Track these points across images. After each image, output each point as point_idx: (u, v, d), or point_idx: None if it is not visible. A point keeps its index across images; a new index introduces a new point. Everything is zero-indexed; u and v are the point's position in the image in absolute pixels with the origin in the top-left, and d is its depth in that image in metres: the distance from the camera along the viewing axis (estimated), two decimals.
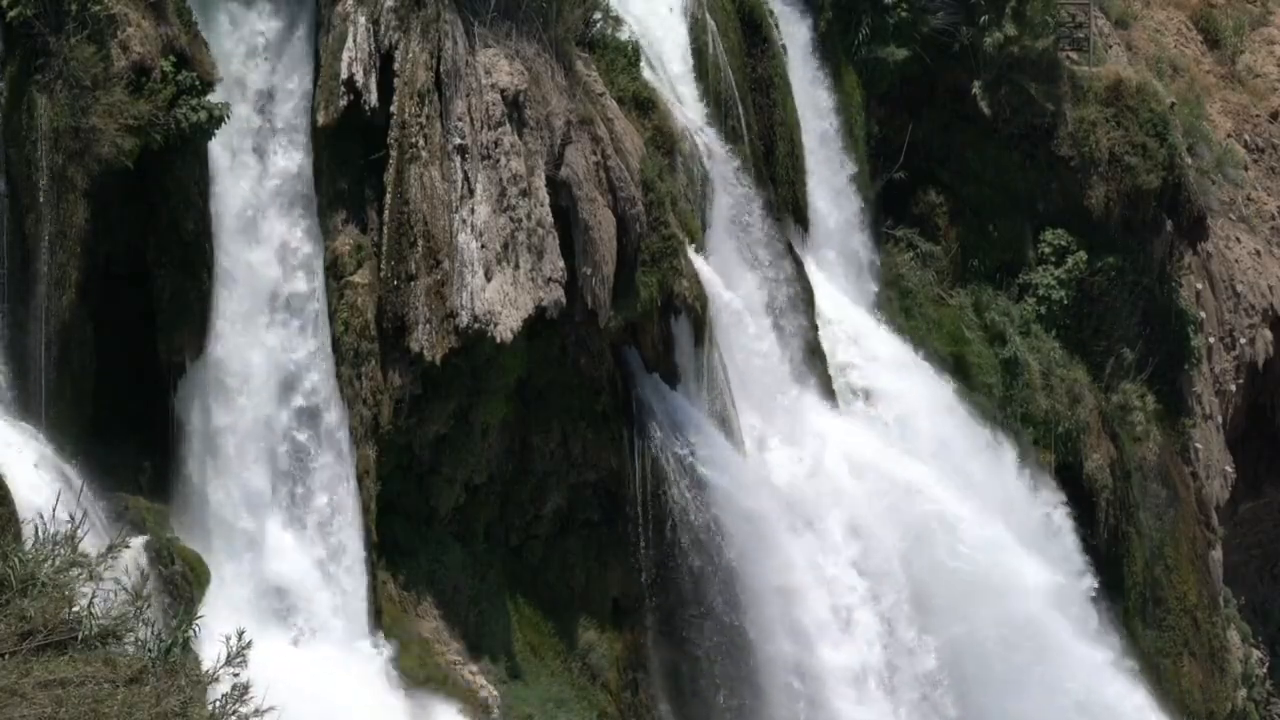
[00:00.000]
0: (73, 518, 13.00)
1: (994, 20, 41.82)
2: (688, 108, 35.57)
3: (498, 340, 29.42)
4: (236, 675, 11.86)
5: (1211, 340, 47.17)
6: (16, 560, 12.46)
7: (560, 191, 30.62)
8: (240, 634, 12.00)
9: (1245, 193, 50.86)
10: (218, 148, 27.44)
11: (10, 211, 25.76)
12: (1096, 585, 40.60)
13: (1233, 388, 48.21)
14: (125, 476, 26.68)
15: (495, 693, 30.26)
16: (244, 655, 11.79)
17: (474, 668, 30.31)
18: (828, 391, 37.42)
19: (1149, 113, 43.93)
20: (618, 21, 33.93)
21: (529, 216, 30.00)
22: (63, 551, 12.32)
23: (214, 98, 26.70)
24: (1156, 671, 42.90)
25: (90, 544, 13.16)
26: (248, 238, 28.43)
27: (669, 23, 36.16)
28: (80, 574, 12.29)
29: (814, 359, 37.12)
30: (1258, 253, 49.95)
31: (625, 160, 31.55)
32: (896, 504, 36.61)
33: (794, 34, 39.79)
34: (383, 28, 29.34)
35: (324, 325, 29.06)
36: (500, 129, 30.01)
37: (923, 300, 41.56)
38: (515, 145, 30.11)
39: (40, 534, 12.71)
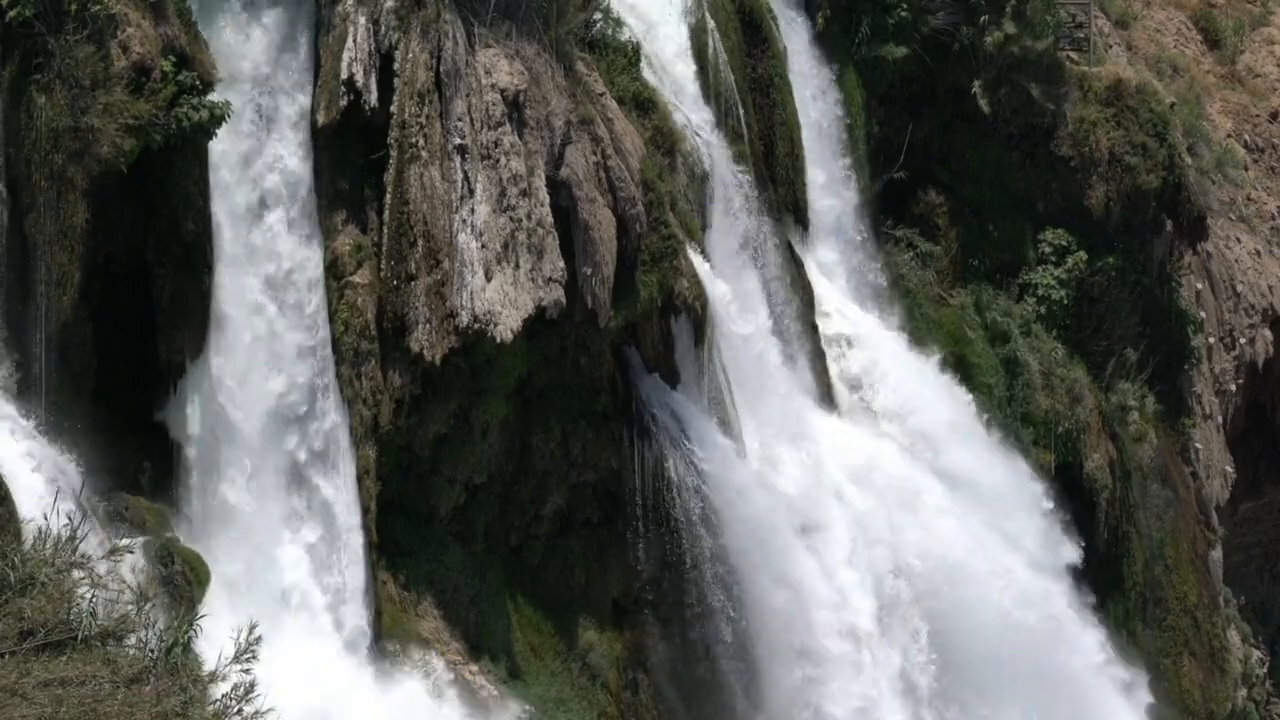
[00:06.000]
0: (71, 519, 12.96)
1: (994, 20, 41.82)
2: (688, 108, 35.55)
3: (498, 340, 29.40)
4: (247, 671, 11.77)
5: (1211, 340, 47.16)
6: (16, 560, 12.43)
7: (560, 191, 30.60)
8: (252, 628, 11.89)
9: (1245, 193, 50.86)
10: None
11: (10, 211, 25.74)
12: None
13: (1233, 388, 48.21)
14: (125, 476, 26.67)
15: (495, 693, 30.24)
16: (254, 651, 11.71)
17: (474, 668, 30.29)
18: (827, 391, 37.43)
19: (1149, 113, 43.92)
20: (618, 22, 33.92)
21: (529, 216, 29.98)
22: (64, 553, 12.30)
23: (214, 97, 26.67)
24: (1156, 671, 42.90)
25: (90, 544, 13.13)
26: (248, 235, 28.42)
27: (669, 23, 36.15)
28: (82, 576, 12.26)
29: (814, 359, 37.13)
30: (1258, 253, 49.95)
31: (625, 160, 31.53)
32: (897, 505, 36.62)
33: (794, 34, 39.80)
34: (383, 28, 29.34)
35: (324, 325, 29.06)
36: (500, 129, 30.00)
37: (923, 300, 41.54)
38: (515, 145, 30.09)
39: (42, 534, 12.68)
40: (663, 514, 32.63)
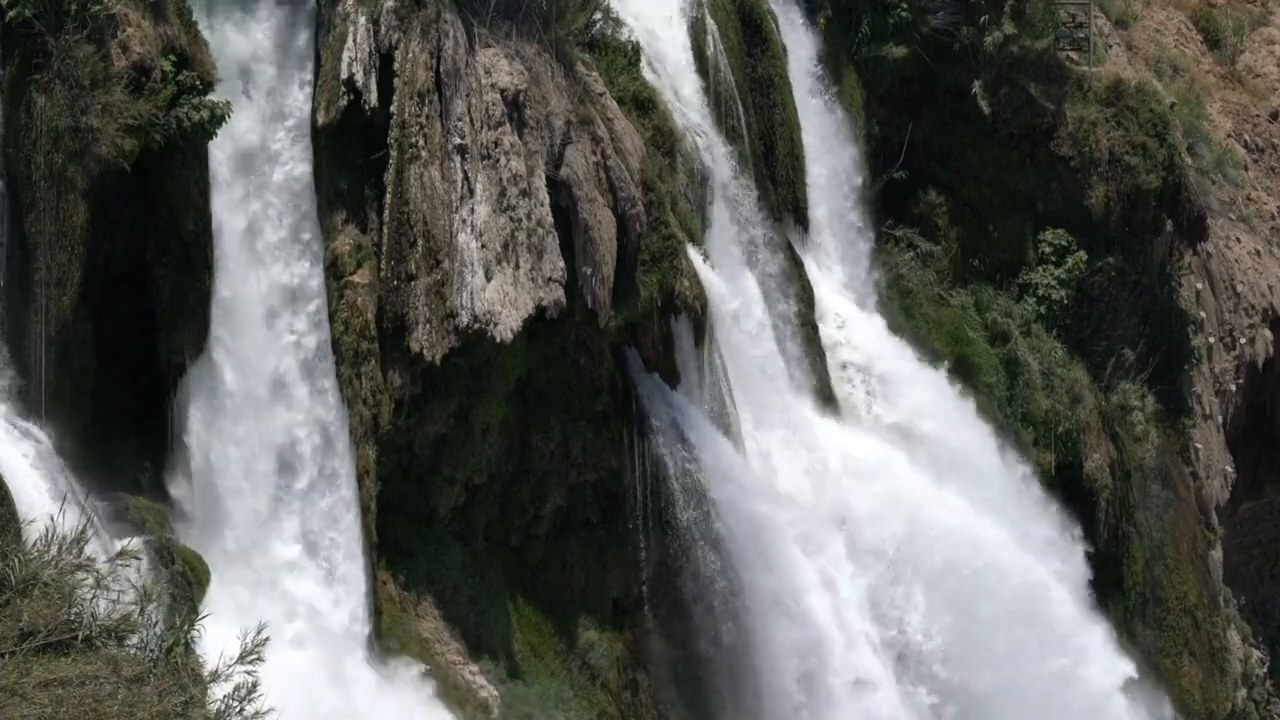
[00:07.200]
0: (81, 521, 12.95)
1: (994, 20, 41.82)
2: (688, 108, 35.55)
3: (498, 340, 29.40)
4: (251, 672, 11.74)
5: (1211, 340, 47.16)
6: (17, 561, 12.42)
7: (560, 191, 30.60)
8: (260, 629, 11.86)
9: (1245, 193, 50.86)
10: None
11: (10, 211, 25.73)
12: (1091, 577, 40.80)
13: (1233, 388, 48.21)
14: (125, 476, 26.66)
15: (495, 693, 30.24)
16: (259, 652, 11.69)
17: (474, 668, 30.30)
18: (827, 391, 37.42)
19: (1149, 113, 43.93)
20: (618, 22, 33.92)
21: (529, 216, 29.98)
22: (68, 555, 12.29)
23: (214, 97, 26.65)
24: (1156, 671, 42.90)
25: (92, 545, 13.10)
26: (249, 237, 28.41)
27: (669, 23, 36.14)
28: (85, 578, 12.25)
29: (814, 359, 37.11)
30: (1258, 253, 49.94)
31: (625, 160, 31.53)
32: (896, 505, 36.61)
33: (794, 33, 39.80)
34: (383, 28, 29.32)
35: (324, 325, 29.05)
36: (500, 129, 30.00)
37: (923, 300, 41.55)
38: (515, 145, 30.09)
39: (47, 534, 12.65)
40: (662, 514, 32.63)
